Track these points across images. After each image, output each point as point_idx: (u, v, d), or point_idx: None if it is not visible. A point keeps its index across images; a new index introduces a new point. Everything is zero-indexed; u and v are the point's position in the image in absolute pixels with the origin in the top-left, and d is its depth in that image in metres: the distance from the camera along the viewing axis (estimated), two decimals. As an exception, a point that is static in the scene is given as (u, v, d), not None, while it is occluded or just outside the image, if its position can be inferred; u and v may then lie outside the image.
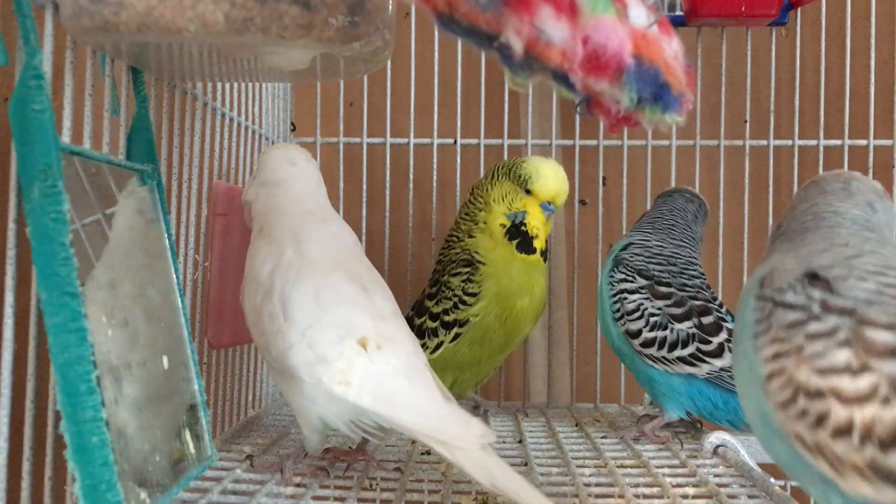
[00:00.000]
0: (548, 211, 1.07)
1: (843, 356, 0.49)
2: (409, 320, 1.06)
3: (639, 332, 0.96)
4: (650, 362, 0.96)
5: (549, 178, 1.06)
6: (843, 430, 0.48)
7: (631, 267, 1.00)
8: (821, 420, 0.49)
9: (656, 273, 0.99)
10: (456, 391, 1.06)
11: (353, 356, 0.69)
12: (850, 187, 0.60)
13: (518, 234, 1.05)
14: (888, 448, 0.47)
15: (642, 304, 0.97)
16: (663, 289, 0.97)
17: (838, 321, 0.50)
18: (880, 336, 0.49)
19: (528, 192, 1.06)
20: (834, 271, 0.53)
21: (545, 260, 1.07)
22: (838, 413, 0.48)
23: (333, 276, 0.74)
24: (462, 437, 0.66)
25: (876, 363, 0.48)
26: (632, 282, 0.99)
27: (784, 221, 0.61)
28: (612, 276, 1.00)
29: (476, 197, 1.09)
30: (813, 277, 0.53)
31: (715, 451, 0.88)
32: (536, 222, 1.06)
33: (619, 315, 0.98)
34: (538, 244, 1.06)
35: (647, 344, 0.96)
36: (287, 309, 0.72)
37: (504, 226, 1.06)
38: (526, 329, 1.08)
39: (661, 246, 1.02)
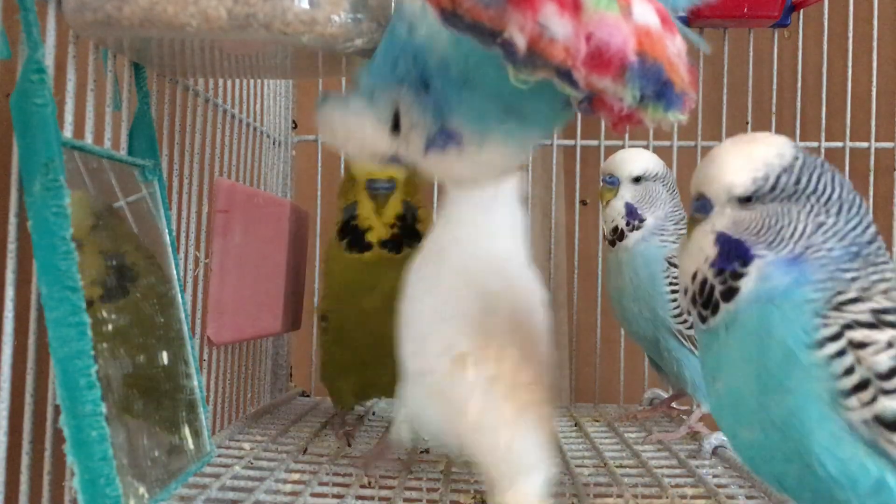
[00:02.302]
0: (374, 190, 0.87)
1: None
2: None
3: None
4: None
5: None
6: None
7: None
8: None
9: None
10: (367, 394, 0.98)
11: (450, 369, 0.67)
12: None
13: (348, 231, 0.89)
14: None
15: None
16: None
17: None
18: None
19: (352, 177, 0.90)
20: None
21: (397, 250, 0.87)
22: None
23: (456, 292, 0.70)
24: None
25: None
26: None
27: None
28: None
29: None
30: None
31: (714, 452, 0.88)
32: (366, 211, 0.88)
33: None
34: (374, 236, 0.88)
35: None
36: (406, 318, 0.71)
37: (338, 223, 0.91)
38: (385, 330, 0.76)
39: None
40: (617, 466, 0.83)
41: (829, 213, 0.55)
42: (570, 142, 1.25)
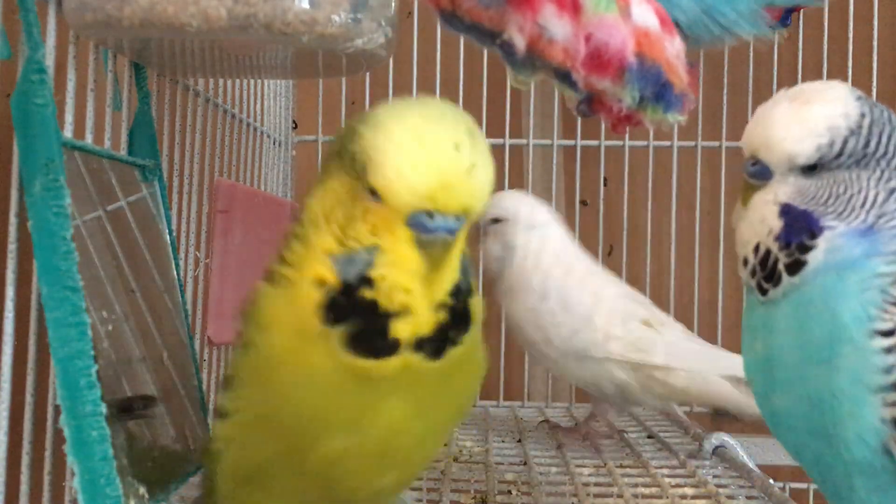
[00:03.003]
0: (428, 232, 0.46)
1: None
2: None
3: None
4: None
5: (416, 156, 0.45)
6: None
7: None
8: None
9: None
10: None
11: (643, 332, 0.90)
12: None
13: (350, 310, 0.47)
14: None
15: None
16: None
17: None
18: None
19: (373, 193, 0.46)
20: None
21: (438, 353, 0.48)
22: None
23: (599, 279, 0.96)
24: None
25: None
26: None
27: None
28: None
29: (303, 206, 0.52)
30: None
31: (714, 452, 0.88)
32: (401, 273, 0.46)
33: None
34: (409, 328, 0.47)
35: None
36: (567, 304, 0.91)
37: (323, 285, 0.47)
38: (377, 485, 0.53)
39: None
40: (617, 466, 0.83)
41: None
42: (571, 142, 1.25)
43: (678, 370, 0.89)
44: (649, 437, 0.98)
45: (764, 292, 0.54)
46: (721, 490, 0.76)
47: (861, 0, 1.22)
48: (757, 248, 0.54)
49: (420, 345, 0.47)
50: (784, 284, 0.53)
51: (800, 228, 0.52)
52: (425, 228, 0.45)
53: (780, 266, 0.53)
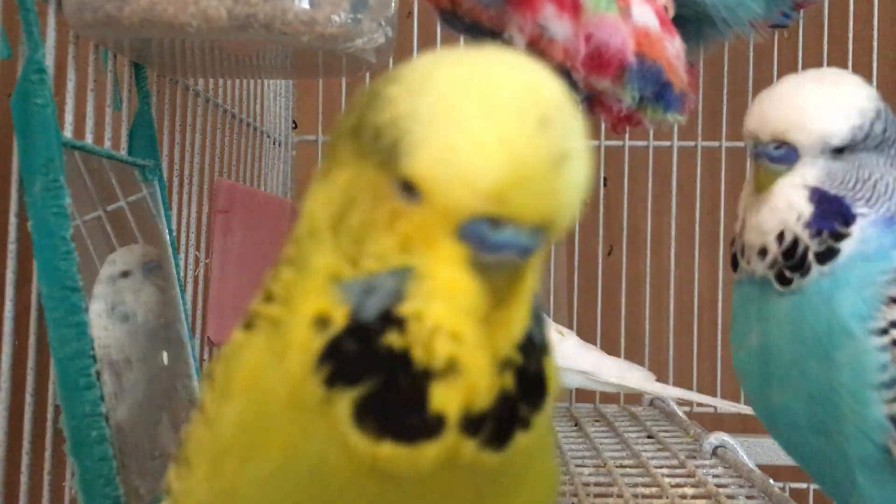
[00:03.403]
0: (495, 250, 0.29)
1: None
2: None
3: None
4: None
5: (480, 131, 0.28)
6: None
7: None
8: None
9: None
10: None
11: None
12: None
13: (368, 364, 0.30)
14: None
15: None
16: None
17: None
18: None
19: (407, 189, 0.29)
20: None
21: (501, 441, 0.30)
22: None
23: None
24: None
25: None
26: None
27: None
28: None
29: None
30: None
31: (714, 452, 0.88)
32: (447, 310, 0.29)
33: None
34: (456, 397, 0.29)
35: None
36: None
37: (325, 325, 0.30)
38: None
39: None
40: (617, 466, 0.83)
41: None
42: (571, 142, 1.25)
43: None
44: (649, 437, 0.98)
45: (786, 282, 0.51)
46: (721, 490, 0.75)
47: (861, 0, 1.22)
48: (781, 236, 0.51)
49: (474, 424, 0.29)
50: (812, 274, 0.51)
51: (832, 214, 0.50)
52: (488, 244, 0.29)
53: (811, 255, 0.50)
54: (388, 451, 0.29)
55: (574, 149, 0.28)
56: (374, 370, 0.29)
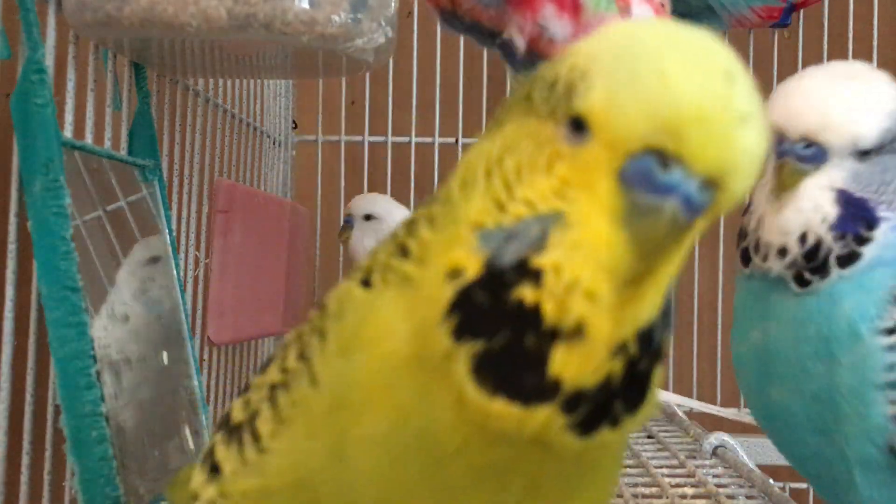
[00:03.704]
0: (659, 192, 0.27)
1: None
2: None
3: None
4: None
5: (664, 62, 0.27)
6: None
7: None
8: None
9: None
10: None
11: None
12: None
13: (495, 317, 0.28)
14: None
15: None
16: None
17: None
18: None
19: (577, 127, 0.28)
20: None
21: (589, 427, 0.28)
22: None
23: None
24: None
25: None
26: None
27: None
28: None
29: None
30: None
31: (714, 452, 0.88)
32: (588, 263, 0.27)
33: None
34: (575, 365, 0.27)
35: None
36: None
37: (458, 276, 0.28)
38: None
39: None
40: (617, 466, 0.83)
41: None
42: (571, 142, 1.25)
43: None
44: (649, 437, 0.98)
45: (804, 284, 0.50)
46: (721, 490, 0.75)
47: (861, 0, 1.22)
48: (804, 237, 0.50)
49: (573, 401, 0.28)
50: (832, 277, 0.50)
51: (857, 218, 0.49)
52: (654, 183, 0.26)
53: (832, 258, 0.50)
54: (500, 408, 0.28)
55: (756, 113, 0.27)
56: (502, 324, 0.28)
